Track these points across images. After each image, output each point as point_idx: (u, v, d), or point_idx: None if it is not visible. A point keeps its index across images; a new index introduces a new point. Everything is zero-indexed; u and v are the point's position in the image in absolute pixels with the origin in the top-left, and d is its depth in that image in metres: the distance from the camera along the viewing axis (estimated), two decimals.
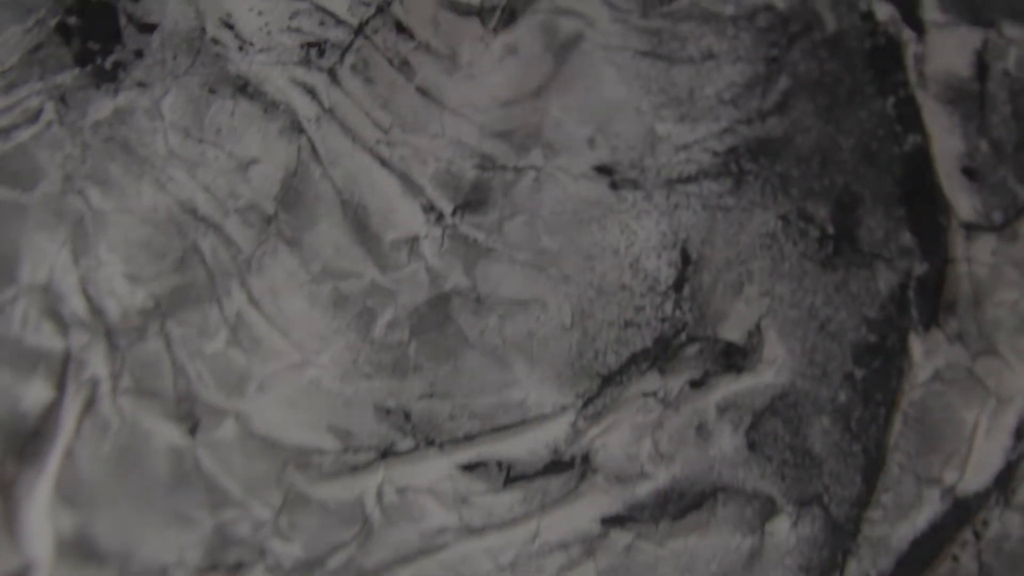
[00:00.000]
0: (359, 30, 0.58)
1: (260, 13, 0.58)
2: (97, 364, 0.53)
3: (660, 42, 0.63)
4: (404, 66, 0.59)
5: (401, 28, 0.59)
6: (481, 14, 0.61)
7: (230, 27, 0.58)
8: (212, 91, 0.56)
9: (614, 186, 0.60)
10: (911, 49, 0.64)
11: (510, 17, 0.61)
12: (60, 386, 0.52)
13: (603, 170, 0.60)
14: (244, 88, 0.57)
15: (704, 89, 0.62)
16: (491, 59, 0.60)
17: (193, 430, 0.53)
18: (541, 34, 0.61)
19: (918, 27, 0.65)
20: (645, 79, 0.62)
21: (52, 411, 0.52)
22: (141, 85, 0.56)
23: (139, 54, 0.56)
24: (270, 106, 0.57)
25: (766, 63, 0.63)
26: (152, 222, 0.55)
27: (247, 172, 0.56)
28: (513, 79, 0.60)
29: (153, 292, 0.54)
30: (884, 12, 0.65)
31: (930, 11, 0.65)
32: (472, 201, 0.58)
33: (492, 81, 0.60)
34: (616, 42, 0.62)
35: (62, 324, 0.53)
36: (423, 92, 0.59)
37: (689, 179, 0.60)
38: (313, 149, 0.57)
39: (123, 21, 0.57)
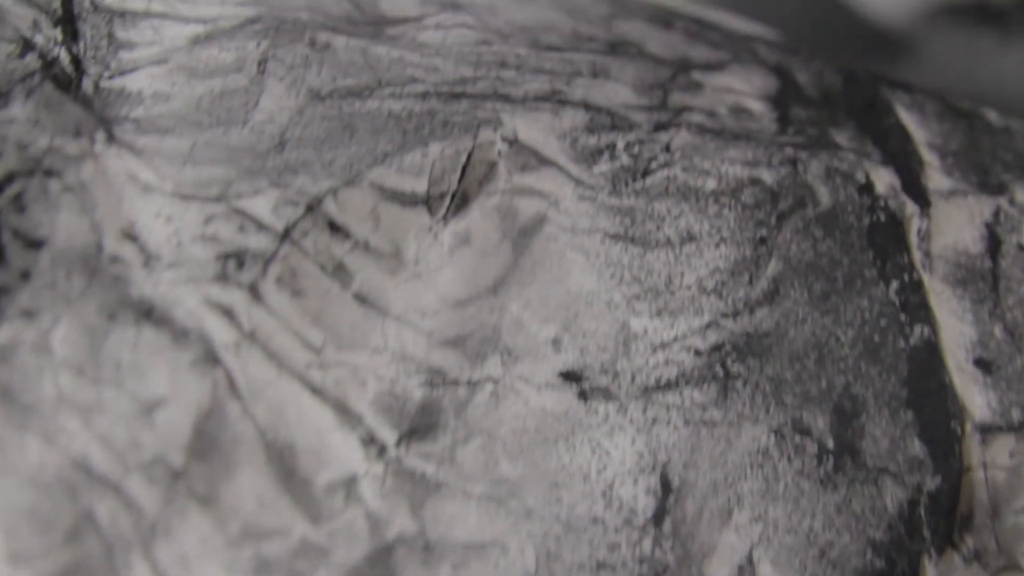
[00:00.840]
0: (285, 235, 0.44)
1: (169, 219, 0.44)
2: None
3: (633, 223, 0.50)
4: (339, 271, 0.45)
5: (335, 227, 0.46)
6: (429, 202, 0.47)
7: (133, 239, 0.44)
8: (111, 318, 0.43)
9: (583, 396, 0.47)
10: (915, 224, 0.52)
11: (462, 202, 0.48)
12: None
13: (570, 377, 0.47)
14: (149, 314, 0.43)
15: (684, 277, 0.51)
16: (440, 253, 0.47)
17: None
18: (498, 219, 0.48)
19: (921, 198, 0.51)
20: (617, 266, 0.50)
21: None
22: (27, 314, 0.42)
23: (25, 275, 0.43)
24: (179, 334, 0.43)
25: (753, 245, 0.50)
26: (38, 485, 0.41)
27: (152, 417, 0.42)
28: (466, 274, 0.48)
29: (39, 574, 0.40)
30: (884, 183, 0.51)
31: (935, 178, 0.52)
32: (419, 427, 0.45)
33: (442, 279, 0.47)
34: (583, 224, 0.49)
35: None
36: (362, 300, 0.46)
37: (668, 386, 0.47)
38: (231, 383, 0.43)
39: (6, 237, 0.43)
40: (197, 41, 0.54)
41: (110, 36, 0.54)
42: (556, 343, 0.51)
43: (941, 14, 1.08)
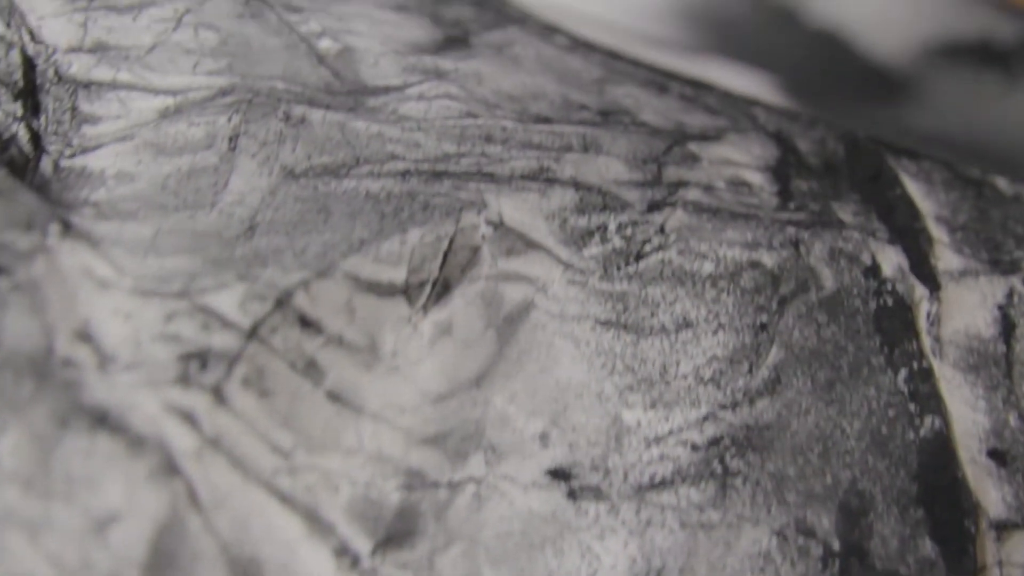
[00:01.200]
0: (252, 332, 0.39)
1: (128, 317, 0.39)
2: None
3: (626, 309, 0.46)
4: (311, 368, 0.40)
5: (306, 322, 0.41)
6: (407, 291, 0.42)
7: (87, 339, 0.39)
8: (63, 426, 0.38)
9: (572, 496, 0.43)
10: (924, 308, 0.47)
11: (443, 290, 0.43)
12: None
13: (559, 474, 0.44)
14: (104, 420, 0.39)
15: (679, 366, 0.47)
16: (420, 344, 0.42)
17: None
18: (482, 307, 0.44)
19: (931, 280, 0.46)
20: (608, 355, 0.47)
21: None
22: None
23: None
24: (136, 442, 0.38)
25: (753, 332, 0.46)
26: None
27: (105, 533, 0.38)
28: (448, 367, 0.44)
29: None
30: (891, 265, 0.46)
31: (944, 257, 0.47)
32: (396, 534, 0.41)
33: (422, 372, 0.42)
34: (573, 310, 0.44)
35: None
36: (335, 398, 0.41)
37: (663, 484, 0.43)
38: (191, 494, 0.38)
39: None
40: (166, 115, 0.49)
41: (74, 109, 0.49)
42: (544, 438, 0.46)
43: (943, 55, 1.03)
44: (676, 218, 0.50)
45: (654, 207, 0.50)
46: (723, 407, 0.47)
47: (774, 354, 0.48)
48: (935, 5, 1.04)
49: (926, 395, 0.48)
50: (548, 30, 0.62)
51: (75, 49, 0.52)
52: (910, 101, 1.03)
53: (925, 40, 1.04)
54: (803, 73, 1.08)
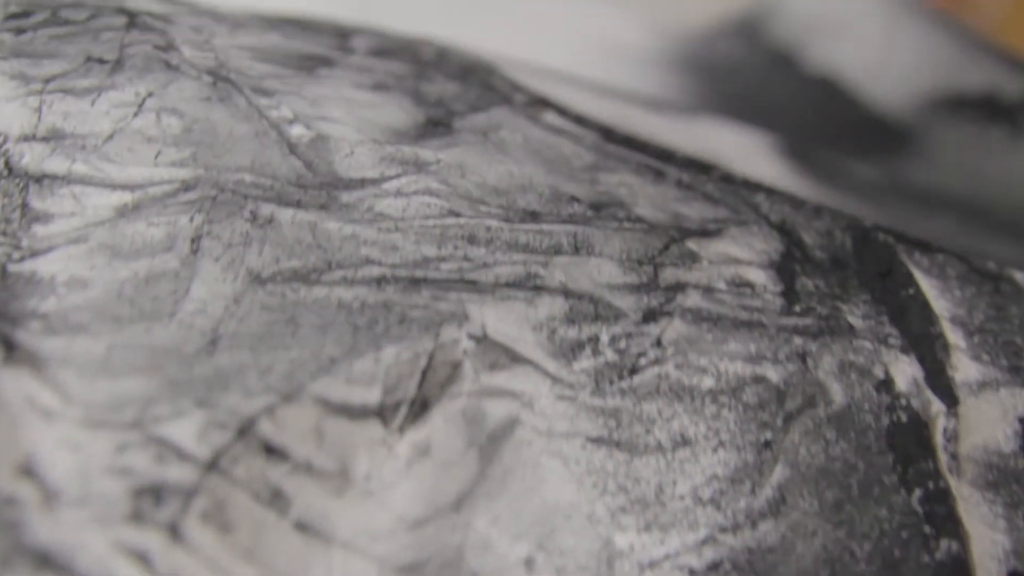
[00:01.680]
0: (212, 464, 0.36)
1: (75, 449, 0.36)
2: None
3: (619, 426, 0.45)
4: (276, 498, 0.37)
5: (271, 450, 0.37)
6: (382, 413, 0.39)
7: (30, 475, 0.35)
8: (2, 569, 0.34)
9: None
10: (940, 424, 0.44)
11: (421, 408, 0.39)
12: None
13: None
14: (47, 562, 0.36)
15: (676, 486, 0.46)
16: (396, 467, 0.40)
17: None
18: (463, 425, 0.41)
19: (948, 395, 0.43)
20: (600, 475, 0.45)
21: None
22: None
23: None
24: None
25: (756, 449, 0.44)
26: None
27: None
28: (426, 489, 0.42)
29: None
30: (905, 378, 0.44)
31: (962, 367, 0.44)
32: None
33: (397, 496, 0.40)
34: (561, 427, 0.42)
35: None
36: (302, 528, 0.38)
37: None
38: None
39: None
40: (123, 213, 0.46)
41: (24, 207, 0.46)
42: (529, 564, 0.43)
43: (948, 108, 1.01)
44: (674, 329, 0.46)
45: (650, 316, 0.46)
46: (723, 529, 0.44)
47: (779, 473, 0.45)
48: (940, 57, 1.01)
49: (942, 516, 0.45)
50: (537, 106, 0.59)
51: (28, 138, 0.49)
52: (913, 154, 1.00)
53: (929, 92, 1.01)
54: (803, 125, 1.05)
